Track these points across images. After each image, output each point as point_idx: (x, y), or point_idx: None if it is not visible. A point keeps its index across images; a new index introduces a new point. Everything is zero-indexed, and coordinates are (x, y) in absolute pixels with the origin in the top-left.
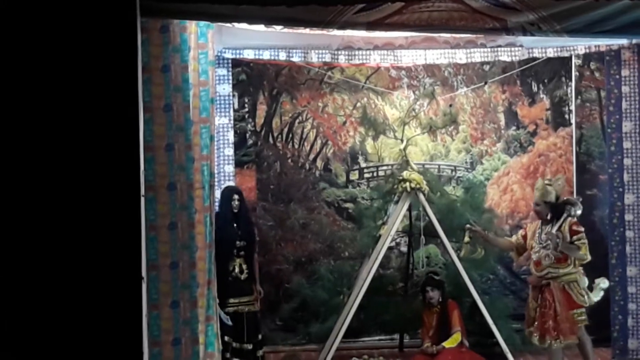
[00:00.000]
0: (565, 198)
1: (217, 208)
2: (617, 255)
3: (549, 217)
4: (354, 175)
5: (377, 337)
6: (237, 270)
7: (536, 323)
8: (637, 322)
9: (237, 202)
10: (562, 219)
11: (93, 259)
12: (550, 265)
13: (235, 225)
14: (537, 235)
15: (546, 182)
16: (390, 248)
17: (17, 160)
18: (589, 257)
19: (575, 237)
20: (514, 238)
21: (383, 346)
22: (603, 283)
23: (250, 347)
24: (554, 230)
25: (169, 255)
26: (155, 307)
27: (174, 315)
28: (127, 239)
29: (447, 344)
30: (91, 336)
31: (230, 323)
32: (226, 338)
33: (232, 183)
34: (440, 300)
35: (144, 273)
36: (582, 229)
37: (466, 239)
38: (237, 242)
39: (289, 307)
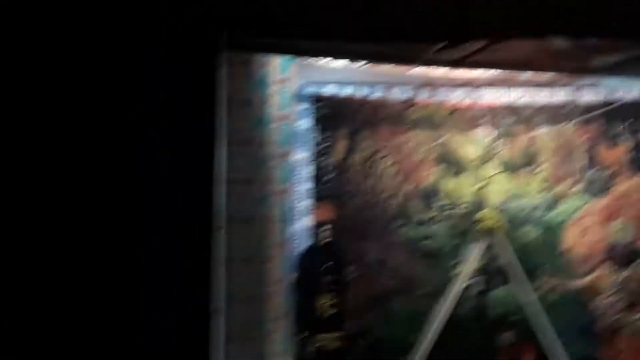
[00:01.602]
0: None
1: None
2: None
3: (623, 261)
4: (431, 214)
5: None
6: (325, 305)
7: None
8: None
9: (326, 234)
10: (636, 262)
11: (166, 293)
12: (623, 311)
13: (324, 258)
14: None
15: (621, 225)
16: (465, 288)
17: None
18: None
19: None
20: (586, 280)
21: None
22: None
23: None
24: (626, 274)
25: (242, 289)
26: (229, 341)
27: (247, 349)
28: (199, 272)
29: None
30: None
31: (309, 356)
32: None
33: (309, 218)
34: (514, 341)
35: (217, 307)
36: None
37: (542, 281)
38: (326, 276)
39: (363, 344)
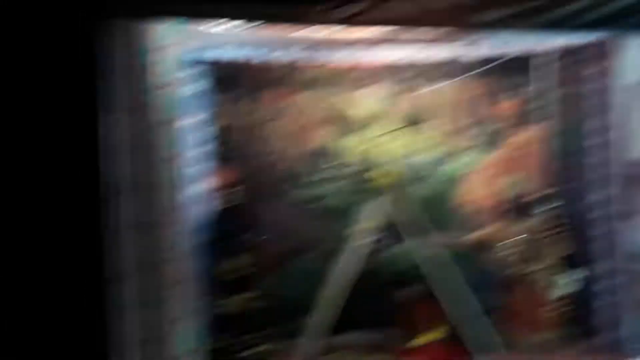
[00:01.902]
0: (533, 195)
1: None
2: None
3: (517, 214)
4: (324, 174)
5: (354, 334)
6: (236, 267)
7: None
8: None
9: (234, 197)
10: (530, 216)
11: (60, 264)
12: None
13: (234, 220)
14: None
15: (515, 178)
16: (364, 246)
17: None
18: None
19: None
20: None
21: (360, 342)
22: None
23: (243, 346)
24: (522, 228)
25: (136, 257)
26: (126, 309)
27: (144, 317)
28: (92, 242)
29: (423, 340)
30: (56, 340)
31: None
32: (225, 338)
33: (200, 184)
34: (417, 295)
35: (111, 275)
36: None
37: (437, 235)
38: (236, 238)
39: (261, 305)
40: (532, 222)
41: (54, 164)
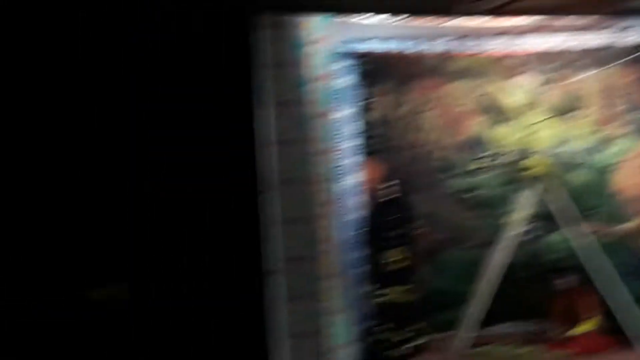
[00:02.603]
0: None
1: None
2: None
3: None
4: (478, 164)
5: (507, 325)
6: (393, 259)
7: None
8: None
9: (391, 190)
10: None
11: (217, 257)
12: None
13: (389, 213)
14: None
15: None
16: (518, 236)
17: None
18: None
19: None
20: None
21: (514, 333)
22: None
23: (403, 338)
24: None
25: (294, 249)
26: (280, 303)
27: (300, 309)
28: (250, 235)
29: (579, 330)
30: (217, 333)
31: (380, 310)
32: (380, 331)
33: (357, 175)
34: (570, 286)
35: (268, 268)
36: None
37: (594, 224)
38: (393, 231)
39: (417, 297)
40: None
41: (210, 159)
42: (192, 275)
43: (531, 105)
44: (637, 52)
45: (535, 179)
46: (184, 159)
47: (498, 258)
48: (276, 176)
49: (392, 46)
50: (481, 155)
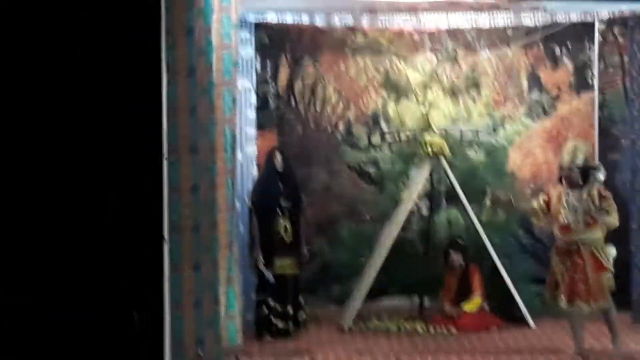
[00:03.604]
0: (590, 164)
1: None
2: (637, 221)
3: (577, 181)
4: (376, 139)
5: (397, 299)
6: (282, 231)
7: (563, 287)
8: None
9: (280, 161)
10: (589, 184)
11: (115, 221)
12: (581, 230)
13: (280, 184)
14: (564, 200)
15: (574, 146)
16: (411, 212)
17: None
18: (617, 223)
19: (604, 203)
20: (535, 203)
21: (403, 308)
22: (612, 250)
23: (292, 310)
24: (584, 195)
25: (191, 217)
26: (176, 269)
27: (196, 277)
28: (150, 201)
29: (467, 307)
30: (113, 298)
31: (272, 280)
32: (270, 302)
33: (254, 146)
34: (461, 263)
35: (166, 235)
36: (610, 194)
37: (487, 202)
38: (282, 202)
39: (310, 269)
40: (588, 191)
41: (116, 124)
42: (89, 236)
43: (431, 83)
44: (534, 34)
45: (432, 156)
46: (86, 122)
47: (392, 232)
48: (180, 143)
49: (295, 18)
50: (380, 130)
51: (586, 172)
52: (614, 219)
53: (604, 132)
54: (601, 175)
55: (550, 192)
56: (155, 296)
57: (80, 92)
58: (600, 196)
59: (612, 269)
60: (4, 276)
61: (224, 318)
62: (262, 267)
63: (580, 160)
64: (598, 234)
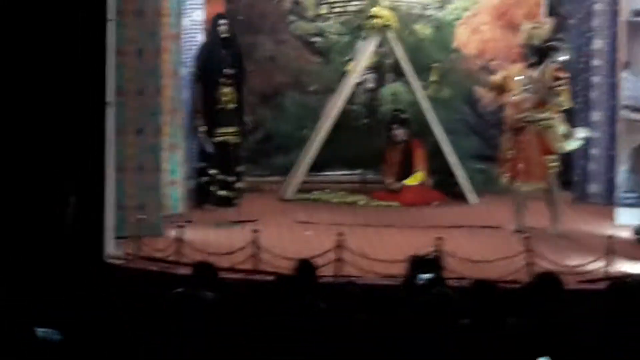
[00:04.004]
0: (550, 43)
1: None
2: (581, 100)
3: (532, 60)
4: (324, 10)
5: (340, 172)
6: (225, 98)
7: (506, 165)
8: (599, 166)
9: (225, 28)
10: (544, 64)
11: (59, 83)
12: (529, 109)
13: (223, 52)
14: (519, 78)
15: (533, 25)
16: (356, 84)
17: None
18: (568, 104)
19: (556, 83)
20: (496, 77)
21: (345, 181)
22: (583, 133)
23: (233, 178)
24: (538, 75)
25: (135, 81)
26: (120, 133)
27: (139, 141)
28: (94, 65)
29: (409, 181)
30: (57, 157)
31: (211, 150)
32: (211, 171)
33: (200, 12)
34: (404, 138)
35: (110, 99)
36: (566, 75)
37: (433, 77)
38: (226, 70)
39: (253, 139)
40: (542, 70)
41: None
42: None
43: None
44: None
45: (380, 28)
46: None
47: (336, 105)
48: (125, 5)
49: None
50: (327, 1)
51: (544, 51)
52: (563, 100)
53: (551, 10)
54: (560, 56)
55: (509, 69)
56: (98, 159)
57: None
58: (555, 76)
59: (560, 151)
60: None
61: (166, 185)
62: (202, 135)
63: (536, 40)
64: (547, 114)
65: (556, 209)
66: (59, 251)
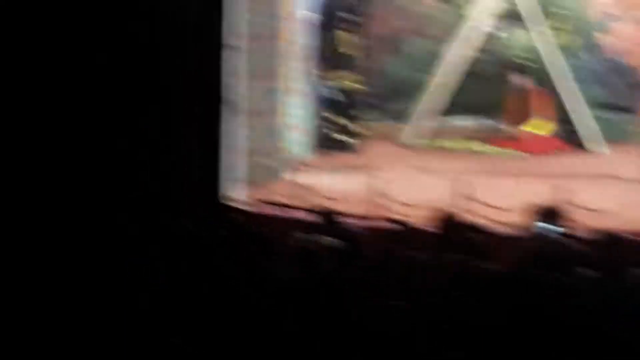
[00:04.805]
0: None
1: None
2: None
3: None
4: None
5: (461, 118)
6: (343, 44)
7: None
8: None
9: None
10: None
11: (179, 25)
12: None
13: None
14: None
15: None
16: (478, 29)
17: None
18: None
19: None
20: None
21: (467, 128)
22: None
23: (353, 123)
24: None
25: (254, 25)
26: (239, 77)
27: (258, 86)
28: (212, 8)
29: (532, 129)
30: (175, 100)
31: (330, 95)
32: (330, 115)
33: None
34: (526, 85)
35: (231, 42)
36: None
37: (558, 24)
38: (346, 15)
39: (375, 83)
40: None
41: None
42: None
43: None
44: None
45: None
46: None
47: (458, 50)
48: None
49: None
50: None
51: None
52: None
53: None
54: None
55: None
56: (215, 102)
57: None
58: None
59: None
60: None
61: (286, 129)
62: (321, 80)
63: None
64: None
65: None
66: (176, 192)
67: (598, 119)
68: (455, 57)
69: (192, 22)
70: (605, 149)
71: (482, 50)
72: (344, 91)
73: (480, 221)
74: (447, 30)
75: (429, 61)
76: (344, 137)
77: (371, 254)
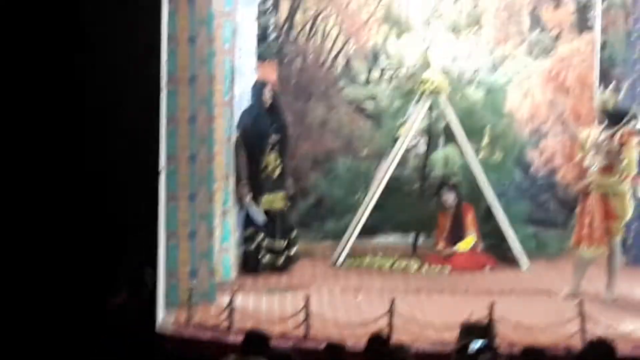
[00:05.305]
0: (622, 110)
1: (247, 102)
2: None
3: (604, 125)
4: (375, 74)
5: (391, 237)
6: (270, 165)
7: (575, 228)
8: None
9: (269, 95)
10: (616, 128)
11: (112, 151)
12: (594, 174)
13: (268, 119)
14: (589, 141)
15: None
16: (408, 149)
17: None
18: (632, 171)
19: (623, 147)
20: (583, 134)
21: (397, 245)
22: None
23: (282, 244)
24: (607, 140)
25: (187, 148)
26: (173, 199)
27: (191, 208)
28: (146, 132)
29: (461, 246)
30: (109, 227)
31: (261, 218)
32: (259, 237)
33: (253, 77)
34: (455, 202)
35: (162, 165)
36: (636, 139)
37: (484, 142)
38: (271, 137)
39: (305, 203)
40: (612, 134)
41: (114, 52)
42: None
43: (432, 19)
44: None
45: (430, 93)
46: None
47: (388, 169)
48: (178, 74)
49: None
50: (378, 66)
51: (614, 116)
52: (628, 166)
53: (604, 73)
54: (634, 123)
55: (588, 130)
56: (151, 225)
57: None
58: (621, 142)
59: (626, 216)
60: None
61: (218, 251)
62: (248, 203)
63: (610, 106)
64: (614, 179)
65: (614, 275)
66: (111, 321)
67: (530, 235)
68: (386, 176)
69: (128, 147)
70: (527, 264)
71: (414, 168)
72: (274, 212)
73: (410, 339)
74: (378, 150)
75: (361, 181)
76: (274, 258)
77: None
